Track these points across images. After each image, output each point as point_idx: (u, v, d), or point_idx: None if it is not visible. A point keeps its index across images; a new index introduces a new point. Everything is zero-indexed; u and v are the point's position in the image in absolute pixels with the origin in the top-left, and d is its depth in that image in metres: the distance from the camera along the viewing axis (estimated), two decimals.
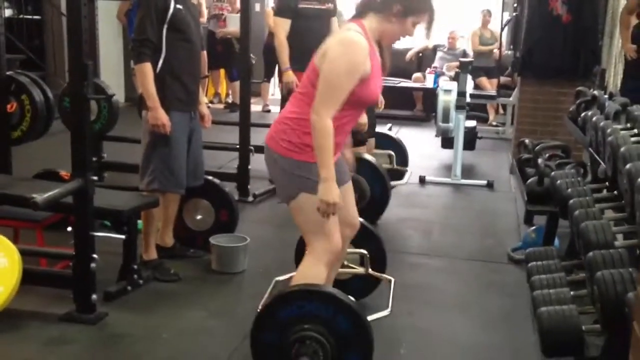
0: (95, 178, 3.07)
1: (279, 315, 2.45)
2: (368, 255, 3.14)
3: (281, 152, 2.53)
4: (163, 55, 3.39)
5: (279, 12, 4.75)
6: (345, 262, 3.11)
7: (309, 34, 4.52)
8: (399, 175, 5.02)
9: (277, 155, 2.55)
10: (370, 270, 3.16)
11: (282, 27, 4.64)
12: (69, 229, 3.13)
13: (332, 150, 2.43)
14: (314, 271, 2.54)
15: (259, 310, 2.54)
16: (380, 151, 5.10)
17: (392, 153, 5.14)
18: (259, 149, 5.18)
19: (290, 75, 4.57)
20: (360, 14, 2.59)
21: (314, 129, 2.41)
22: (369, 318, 2.64)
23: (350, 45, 2.44)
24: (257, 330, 2.50)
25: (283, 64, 4.63)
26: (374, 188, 4.27)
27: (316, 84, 2.46)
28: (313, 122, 2.40)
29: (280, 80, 5.02)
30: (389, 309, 2.93)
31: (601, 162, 3.03)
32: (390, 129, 7.02)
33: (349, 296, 2.50)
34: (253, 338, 2.50)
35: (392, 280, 3.19)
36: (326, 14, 4.73)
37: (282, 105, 4.85)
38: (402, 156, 5.30)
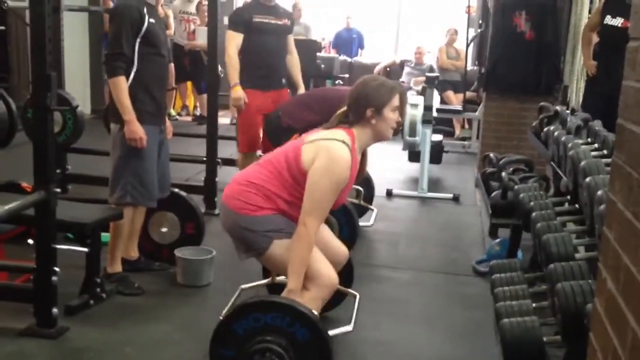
0: (58, 190, 3.03)
1: (235, 329, 2.44)
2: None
3: (242, 212, 2.62)
4: (135, 69, 3.37)
5: (231, 25, 4.56)
6: None
7: (263, 50, 4.51)
8: (363, 210, 4.79)
9: (237, 215, 2.63)
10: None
11: (233, 41, 4.47)
12: (31, 241, 3.08)
13: (307, 262, 2.56)
14: (312, 306, 2.56)
15: (216, 326, 2.52)
16: None
17: (361, 189, 4.75)
18: (227, 162, 5.18)
19: (238, 91, 4.45)
20: (347, 124, 2.70)
21: (299, 241, 2.54)
22: (332, 332, 2.65)
23: (338, 163, 2.57)
24: (216, 346, 2.49)
25: (231, 79, 4.47)
26: (343, 230, 3.97)
27: (296, 176, 2.59)
28: (300, 233, 2.54)
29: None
30: (351, 325, 2.94)
31: (563, 175, 3.09)
32: None
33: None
34: (212, 354, 2.50)
35: (357, 296, 3.20)
36: (282, 30, 4.62)
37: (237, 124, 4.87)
38: (369, 192, 4.99)
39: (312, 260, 2.60)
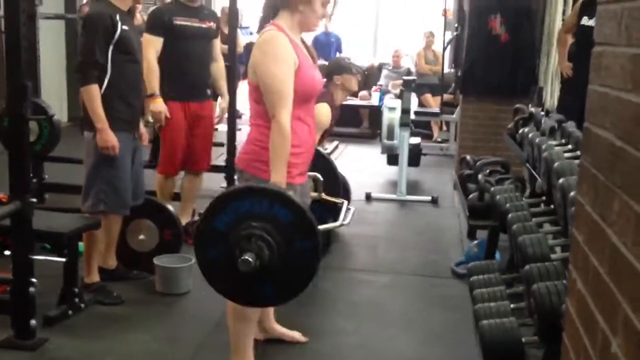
0: (34, 200, 3.00)
1: (217, 226, 2.34)
2: (321, 179, 3.27)
3: (252, 172, 2.58)
4: (108, 77, 3.35)
5: (149, 28, 4.03)
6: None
7: (187, 57, 4.07)
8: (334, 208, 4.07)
9: (249, 175, 2.60)
10: (323, 195, 3.32)
11: (152, 46, 3.95)
12: (7, 252, 3.06)
13: (288, 155, 2.48)
14: None
15: (195, 229, 2.44)
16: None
17: (319, 176, 3.56)
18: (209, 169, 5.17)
19: (158, 104, 3.97)
20: (270, 16, 2.62)
21: (273, 133, 2.46)
22: (322, 227, 2.63)
23: (267, 41, 2.52)
24: (202, 249, 2.40)
25: (150, 88, 3.93)
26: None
27: (260, 99, 2.52)
28: (273, 129, 2.46)
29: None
30: (349, 219, 2.94)
31: (537, 177, 3.13)
32: (337, 147, 7.04)
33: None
34: (200, 259, 2.41)
35: (345, 202, 3.25)
36: (207, 34, 4.20)
37: (154, 153, 4.57)
38: (344, 193, 4.64)
39: None
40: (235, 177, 2.81)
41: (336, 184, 4.00)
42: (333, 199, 3.71)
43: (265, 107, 2.52)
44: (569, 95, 4.98)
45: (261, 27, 2.63)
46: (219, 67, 4.37)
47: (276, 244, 2.29)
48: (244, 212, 2.31)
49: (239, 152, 2.68)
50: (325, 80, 4.34)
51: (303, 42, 2.70)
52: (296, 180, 2.60)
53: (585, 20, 4.83)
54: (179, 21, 3.96)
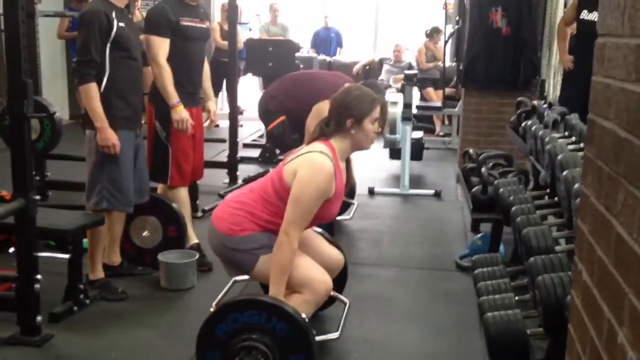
0: (38, 197, 3.01)
1: (217, 333, 2.47)
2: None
3: (228, 233, 2.67)
4: (107, 75, 3.35)
5: (155, 29, 3.68)
6: None
7: (191, 60, 3.85)
8: (344, 206, 4.74)
9: (223, 235, 2.69)
10: None
11: (162, 48, 3.66)
12: (12, 250, 3.06)
13: (289, 271, 2.59)
14: (301, 309, 2.58)
15: (198, 332, 2.54)
16: None
17: None
18: (209, 164, 5.16)
19: (181, 111, 3.69)
20: (326, 135, 2.72)
21: (281, 249, 2.57)
22: (318, 338, 2.67)
23: (319, 171, 2.59)
24: (201, 351, 2.52)
25: (171, 97, 3.67)
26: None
27: (283, 195, 2.63)
28: (282, 242, 2.56)
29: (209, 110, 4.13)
30: (338, 332, 2.96)
31: (541, 169, 3.13)
32: None
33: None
34: (199, 358, 2.53)
35: (347, 303, 3.22)
36: (206, 35, 4.02)
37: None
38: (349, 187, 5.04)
39: (305, 267, 2.66)
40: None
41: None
42: (348, 200, 4.57)
43: (282, 205, 2.62)
44: (570, 88, 4.98)
45: (317, 137, 2.73)
46: (206, 70, 4.10)
47: (272, 356, 2.43)
48: (243, 322, 2.45)
49: (218, 209, 2.78)
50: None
51: (348, 160, 2.83)
52: None
53: (584, 14, 4.82)
54: (185, 22, 3.73)
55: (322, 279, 2.69)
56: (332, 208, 2.71)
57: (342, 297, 3.22)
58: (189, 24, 3.76)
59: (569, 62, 5.02)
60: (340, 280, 3.18)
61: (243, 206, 2.71)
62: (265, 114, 4.50)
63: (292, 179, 2.61)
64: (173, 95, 3.68)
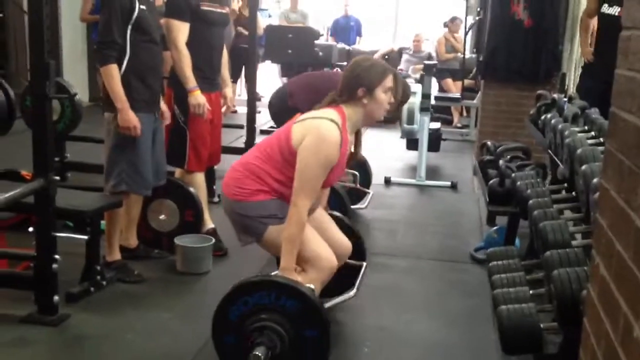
0: (57, 178, 3.04)
1: (230, 317, 2.49)
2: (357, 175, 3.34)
3: (237, 199, 2.68)
4: (127, 57, 3.36)
5: (176, 13, 3.69)
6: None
7: (210, 46, 3.85)
8: (361, 195, 4.88)
9: (233, 202, 2.69)
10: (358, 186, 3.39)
11: (182, 33, 3.67)
12: (31, 229, 3.10)
13: (299, 243, 2.59)
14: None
15: (212, 318, 2.56)
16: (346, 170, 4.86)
17: (357, 173, 4.85)
18: (226, 150, 5.19)
19: (199, 96, 3.71)
20: (338, 102, 2.71)
21: (291, 220, 2.56)
22: (336, 300, 2.73)
23: (326, 141, 2.58)
24: (217, 336, 2.54)
25: (189, 81, 3.69)
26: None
27: (287, 156, 2.63)
28: (292, 214, 2.56)
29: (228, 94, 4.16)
30: (354, 290, 2.94)
31: (559, 163, 3.11)
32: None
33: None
34: (216, 344, 2.54)
35: (365, 264, 3.20)
36: (226, 21, 4.01)
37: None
38: (365, 176, 5.04)
39: (312, 243, 2.65)
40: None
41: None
42: (363, 189, 4.92)
43: (283, 162, 2.64)
44: (589, 80, 4.93)
45: (330, 102, 2.72)
46: (224, 56, 4.11)
47: (286, 334, 2.43)
48: (253, 304, 2.45)
49: (225, 175, 2.78)
50: None
51: (358, 132, 2.83)
52: None
53: (605, 8, 4.78)
54: (205, 6, 3.74)
55: (329, 258, 2.69)
56: (331, 176, 2.69)
57: (358, 263, 3.20)
58: (209, 8, 3.78)
59: (589, 54, 4.97)
60: (359, 251, 3.21)
61: (247, 169, 2.70)
62: (281, 111, 4.41)
63: (299, 142, 2.60)
64: (191, 80, 3.70)
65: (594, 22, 5.06)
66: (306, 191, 2.57)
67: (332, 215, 3.13)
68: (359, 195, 4.84)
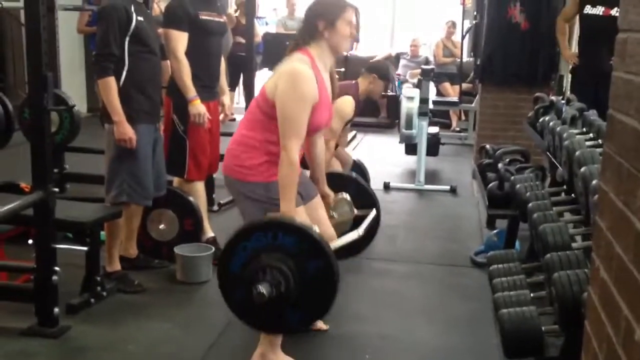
0: (56, 190, 3.04)
1: (233, 270, 2.42)
2: (348, 198, 3.22)
3: (238, 178, 2.67)
4: (126, 68, 3.37)
5: (174, 22, 3.68)
6: (335, 215, 3.17)
7: (209, 55, 3.86)
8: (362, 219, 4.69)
9: (234, 180, 2.69)
10: (356, 211, 3.22)
11: (181, 43, 3.66)
12: (30, 241, 3.09)
13: (297, 185, 2.57)
14: None
15: (217, 281, 2.52)
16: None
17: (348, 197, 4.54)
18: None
19: (199, 106, 3.70)
20: (304, 41, 2.71)
21: (282, 164, 2.55)
22: (341, 241, 2.72)
23: (296, 76, 2.58)
24: (227, 295, 2.49)
25: (189, 91, 3.67)
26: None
27: (267, 111, 2.61)
28: (282, 159, 2.54)
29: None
30: (361, 231, 2.88)
31: (558, 166, 3.11)
32: (355, 137, 7.02)
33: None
34: (229, 304, 2.51)
35: (374, 211, 3.19)
36: (223, 30, 4.03)
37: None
38: (363, 179, 4.89)
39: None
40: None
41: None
42: (363, 213, 4.07)
43: (267, 120, 2.62)
44: (578, 85, 4.96)
45: (294, 48, 2.71)
46: (222, 64, 4.12)
47: (290, 271, 2.36)
48: (252, 248, 2.39)
49: (225, 159, 2.75)
50: (365, 71, 4.57)
51: (331, 72, 2.79)
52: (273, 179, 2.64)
53: (588, 9, 4.82)
54: (204, 16, 3.73)
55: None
56: (318, 115, 2.66)
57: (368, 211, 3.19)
58: (208, 17, 3.78)
59: (573, 57, 5.00)
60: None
61: (239, 143, 2.69)
62: None
63: (274, 91, 2.60)
64: (191, 89, 3.69)
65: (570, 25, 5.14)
66: (291, 132, 2.55)
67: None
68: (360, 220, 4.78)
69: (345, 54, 10.25)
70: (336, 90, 2.87)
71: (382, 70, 4.55)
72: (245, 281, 2.39)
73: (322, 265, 2.38)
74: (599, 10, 4.69)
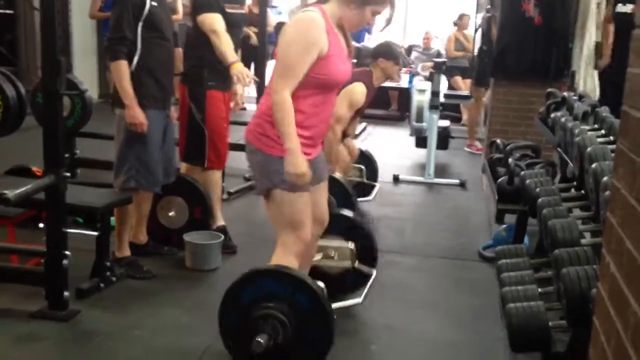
0: (67, 174, 3.05)
1: (241, 296, 2.52)
2: (354, 249, 3.21)
3: (258, 146, 2.60)
4: (138, 53, 3.37)
5: (206, 7, 3.71)
6: (336, 257, 3.18)
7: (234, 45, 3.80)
8: (368, 188, 4.89)
9: (254, 147, 2.62)
10: (357, 264, 3.21)
11: (218, 21, 3.68)
12: (41, 225, 3.11)
13: (293, 123, 2.47)
14: (284, 262, 2.59)
15: (218, 322, 2.60)
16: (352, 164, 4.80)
17: (363, 167, 4.89)
18: (235, 147, 5.18)
19: (241, 66, 3.68)
20: (319, 1, 2.61)
21: (273, 104, 2.47)
22: (342, 304, 2.75)
23: (303, 21, 2.51)
24: (223, 313, 2.57)
25: (229, 57, 3.64)
26: (341, 206, 3.72)
27: None
28: (272, 98, 2.47)
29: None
30: (361, 298, 2.96)
31: (569, 161, 3.10)
32: (365, 129, 7.02)
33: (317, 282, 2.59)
34: (221, 321, 2.57)
35: (374, 273, 3.22)
36: (246, 19, 4.06)
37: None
38: (372, 170, 5.06)
39: (303, 213, 2.61)
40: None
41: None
42: (370, 182, 4.90)
43: None
44: (611, 84, 4.91)
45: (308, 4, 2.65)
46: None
47: (291, 328, 2.45)
48: (268, 290, 2.47)
49: (248, 124, 2.67)
50: (371, 58, 4.37)
51: (344, 33, 2.66)
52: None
53: (619, 7, 4.76)
54: (229, 9, 3.77)
55: (309, 233, 2.66)
56: (333, 67, 2.53)
57: (369, 269, 3.22)
58: (232, 10, 3.82)
59: (607, 58, 4.94)
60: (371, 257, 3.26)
61: (261, 113, 2.61)
62: None
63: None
64: (232, 56, 3.64)
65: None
66: (284, 74, 2.46)
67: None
68: (365, 190, 4.86)
69: (357, 45, 10.23)
70: (351, 47, 2.73)
71: (384, 49, 4.37)
72: (247, 313, 2.49)
73: (322, 337, 2.49)
74: (629, 7, 4.64)
